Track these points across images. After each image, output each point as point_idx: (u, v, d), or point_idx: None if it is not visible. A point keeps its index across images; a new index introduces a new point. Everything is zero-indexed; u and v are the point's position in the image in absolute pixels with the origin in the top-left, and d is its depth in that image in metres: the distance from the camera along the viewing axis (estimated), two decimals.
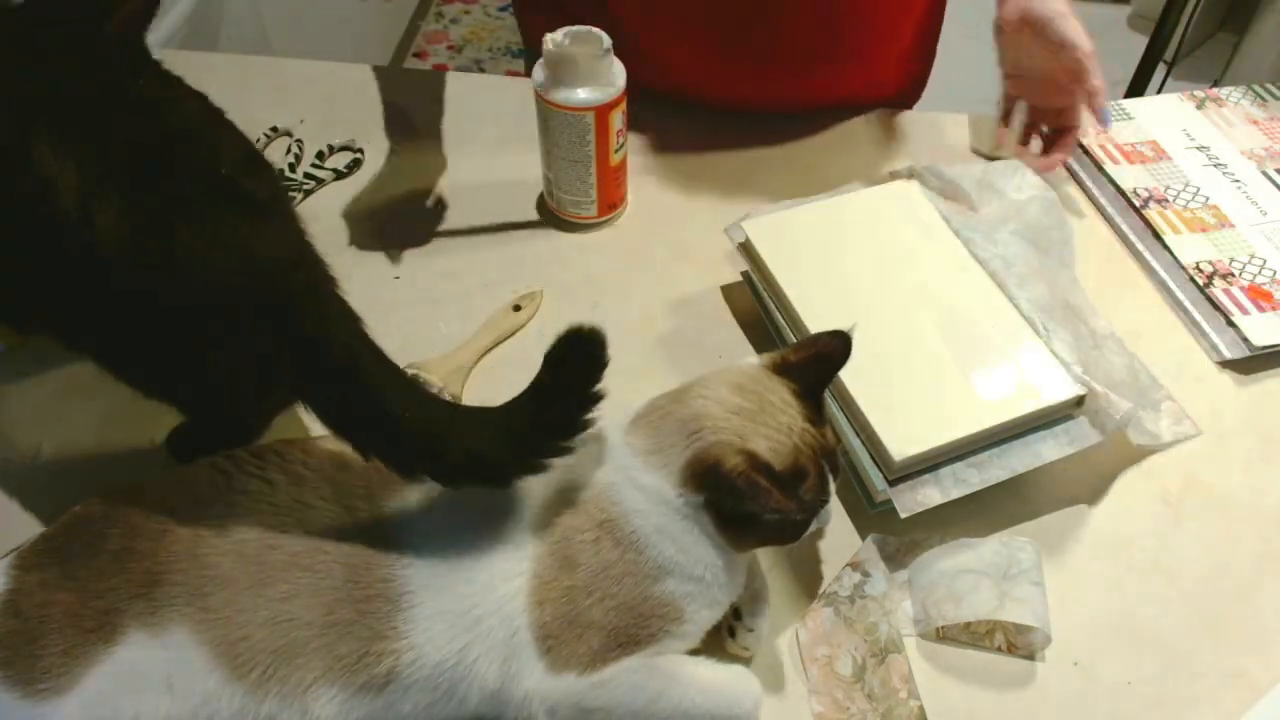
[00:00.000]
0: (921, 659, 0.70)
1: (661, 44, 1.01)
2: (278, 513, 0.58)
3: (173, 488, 0.59)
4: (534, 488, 0.62)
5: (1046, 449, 0.76)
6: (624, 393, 0.87)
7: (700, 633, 0.63)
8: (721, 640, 0.68)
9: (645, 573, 0.60)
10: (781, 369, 0.65)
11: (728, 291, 0.94)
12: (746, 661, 0.69)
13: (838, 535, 0.76)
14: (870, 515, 0.77)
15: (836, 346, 0.66)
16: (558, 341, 0.59)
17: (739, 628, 0.68)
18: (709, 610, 0.63)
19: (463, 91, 1.14)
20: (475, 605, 0.58)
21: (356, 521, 0.58)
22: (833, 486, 0.65)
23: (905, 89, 1.15)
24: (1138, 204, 1.00)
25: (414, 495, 0.60)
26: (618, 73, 0.90)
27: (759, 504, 0.59)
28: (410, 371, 0.85)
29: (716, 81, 1.04)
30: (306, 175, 1.02)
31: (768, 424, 0.62)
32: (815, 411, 0.65)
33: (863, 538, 0.75)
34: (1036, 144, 1.02)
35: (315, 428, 0.78)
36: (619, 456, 0.63)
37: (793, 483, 0.61)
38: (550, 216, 1.00)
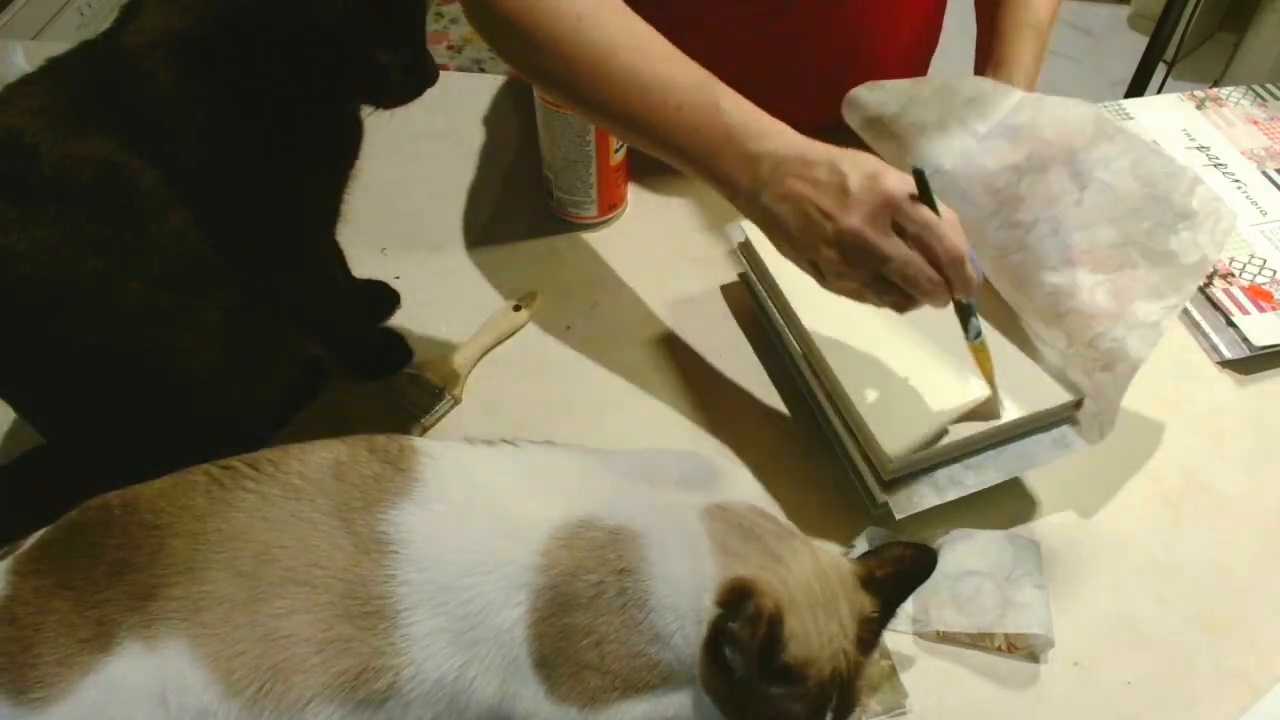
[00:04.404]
0: (921, 659, 0.70)
1: None
2: (273, 528, 0.58)
3: (170, 498, 0.59)
4: (540, 509, 0.61)
5: (1043, 452, 0.76)
6: (624, 392, 0.87)
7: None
8: None
9: (642, 632, 0.59)
10: (868, 582, 0.62)
11: (728, 291, 0.94)
12: None
13: (836, 537, 0.76)
14: (870, 516, 0.77)
15: (920, 561, 0.63)
16: None
17: None
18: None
19: (463, 91, 1.14)
20: (473, 627, 0.58)
21: (353, 535, 0.58)
22: None
23: None
24: None
25: (412, 510, 0.60)
26: None
27: (745, 640, 0.56)
28: (410, 372, 0.85)
29: None
30: None
31: (817, 617, 0.59)
32: (870, 638, 0.61)
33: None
34: None
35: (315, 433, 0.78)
36: (688, 525, 0.61)
37: (785, 677, 0.57)
38: (550, 216, 1.00)
